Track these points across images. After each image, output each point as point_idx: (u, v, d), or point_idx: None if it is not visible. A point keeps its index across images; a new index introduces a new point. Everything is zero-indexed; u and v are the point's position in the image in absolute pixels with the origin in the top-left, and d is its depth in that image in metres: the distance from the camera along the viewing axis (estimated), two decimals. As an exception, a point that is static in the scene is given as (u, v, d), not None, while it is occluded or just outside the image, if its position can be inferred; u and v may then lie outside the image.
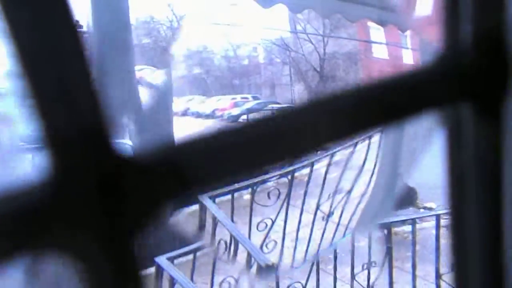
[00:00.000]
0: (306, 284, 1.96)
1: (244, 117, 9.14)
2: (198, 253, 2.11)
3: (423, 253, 2.19)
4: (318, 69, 8.50)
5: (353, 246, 2.07)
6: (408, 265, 2.06)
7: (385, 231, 1.99)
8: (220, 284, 1.92)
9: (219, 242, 2.07)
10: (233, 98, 10.98)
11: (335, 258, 2.03)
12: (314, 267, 1.98)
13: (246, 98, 11.10)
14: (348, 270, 2.04)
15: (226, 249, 2.04)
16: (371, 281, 1.99)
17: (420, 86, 0.26)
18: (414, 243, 2.01)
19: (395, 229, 2.41)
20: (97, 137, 0.20)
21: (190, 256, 2.12)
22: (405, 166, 2.32)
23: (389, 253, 1.97)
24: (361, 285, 1.98)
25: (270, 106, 8.94)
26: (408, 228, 2.18)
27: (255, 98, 10.98)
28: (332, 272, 2.03)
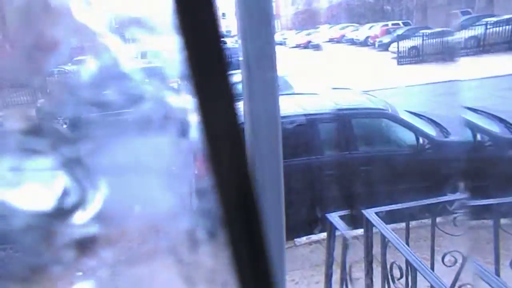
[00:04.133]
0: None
1: (395, 44, 8.72)
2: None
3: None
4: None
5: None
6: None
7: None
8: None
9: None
10: (384, 25, 10.44)
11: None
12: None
13: (397, 24, 10.39)
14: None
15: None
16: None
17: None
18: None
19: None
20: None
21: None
22: None
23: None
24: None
25: (421, 32, 8.10)
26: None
27: (405, 24, 10.20)
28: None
